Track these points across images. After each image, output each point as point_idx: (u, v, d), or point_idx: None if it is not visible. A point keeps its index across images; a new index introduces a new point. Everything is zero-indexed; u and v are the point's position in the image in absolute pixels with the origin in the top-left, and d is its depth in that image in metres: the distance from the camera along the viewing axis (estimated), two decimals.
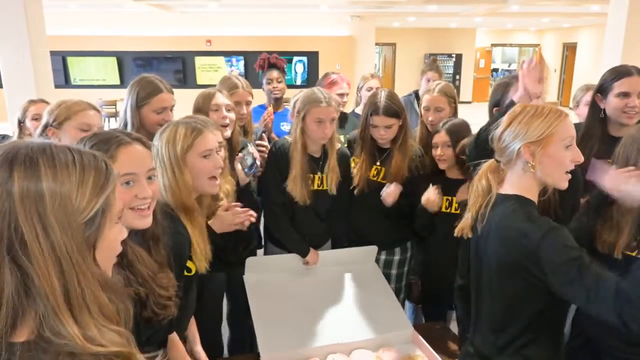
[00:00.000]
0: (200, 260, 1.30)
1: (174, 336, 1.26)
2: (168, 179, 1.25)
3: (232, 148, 1.84)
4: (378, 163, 1.92)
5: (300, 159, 1.79)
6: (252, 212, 1.54)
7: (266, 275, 1.77)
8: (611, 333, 1.19)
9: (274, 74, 2.60)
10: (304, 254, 1.85)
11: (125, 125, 1.73)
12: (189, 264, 1.28)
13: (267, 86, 2.60)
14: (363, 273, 1.91)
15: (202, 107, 1.78)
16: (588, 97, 2.36)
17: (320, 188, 1.87)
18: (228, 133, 1.79)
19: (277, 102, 2.62)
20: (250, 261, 1.76)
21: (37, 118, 2.09)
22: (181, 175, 1.24)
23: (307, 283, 1.85)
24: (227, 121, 1.78)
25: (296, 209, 1.86)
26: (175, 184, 1.24)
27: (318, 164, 1.87)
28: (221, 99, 1.80)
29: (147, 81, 1.72)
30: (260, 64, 2.67)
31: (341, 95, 2.46)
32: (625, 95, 1.60)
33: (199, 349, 1.44)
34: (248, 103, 2.06)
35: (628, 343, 1.21)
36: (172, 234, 1.18)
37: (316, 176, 1.87)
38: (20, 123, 2.17)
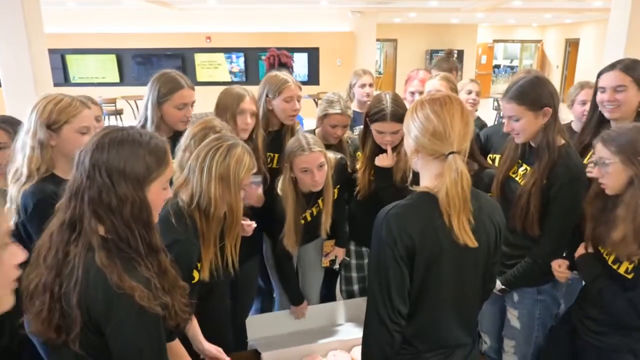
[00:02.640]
0: (204, 269, 1.31)
1: (175, 342, 1.26)
2: (202, 186, 1.27)
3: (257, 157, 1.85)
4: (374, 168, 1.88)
5: (293, 212, 1.75)
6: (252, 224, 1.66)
7: (268, 329, 1.84)
8: (586, 324, 1.48)
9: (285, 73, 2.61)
10: (297, 302, 1.88)
11: (146, 121, 1.74)
12: (194, 272, 1.28)
13: None
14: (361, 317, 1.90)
15: (231, 106, 1.78)
16: (582, 96, 2.37)
17: (310, 219, 1.87)
18: (245, 136, 1.81)
19: None
20: (250, 321, 1.79)
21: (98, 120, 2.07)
22: (227, 190, 1.29)
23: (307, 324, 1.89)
24: (249, 127, 1.81)
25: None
26: (214, 195, 1.27)
27: (309, 201, 1.85)
28: (249, 104, 1.80)
29: (168, 77, 1.73)
30: (270, 62, 2.64)
31: (412, 93, 2.41)
32: (602, 90, 1.69)
33: (207, 345, 1.44)
34: (299, 99, 2.01)
35: (595, 331, 1.45)
36: (183, 242, 1.19)
37: (307, 214, 1.86)
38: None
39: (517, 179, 1.61)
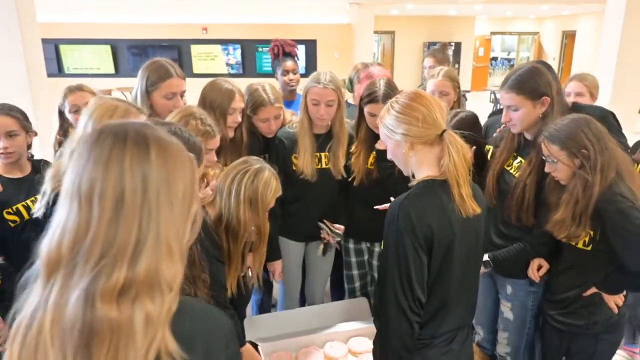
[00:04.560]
0: (231, 286, 1.37)
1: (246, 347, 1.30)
2: (230, 208, 1.33)
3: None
4: (375, 152, 1.87)
5: (308, 136, 1.84)
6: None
7: (265, 329, 1.82)
8: (548, 308, 1.60)
9: (290, 64, 2.55)
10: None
11: None
12: None
13: (283, 77, 2.56)
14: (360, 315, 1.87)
15: (221, 105, 1.73)
16: (569, 88, 2.37)
17: (325, 166, 1.90)
18: (232, 134, 1.81)
19: (291, 92, 2.63)
20: (248, 321, 1.80)
21: (76, 110, 1.86)
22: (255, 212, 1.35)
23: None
24: (237, 124, 1.81)
25: (303, 191, 1.89)
26: (243, 218, 1.33)
27: (323, 143, 1.89)
28: (240, 102, 1.80)
29: (158, 65, 1.70)
30: (274, 52, 2.62)
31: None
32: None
33: None
34: (277, 116, 1.92)
35: (559, 314, 1.55)
36: (212, 261, 1.21)
37: (323, 154, 1.90)
38: (61, 112, 1.97)
39: (511, 171, 1.61)
